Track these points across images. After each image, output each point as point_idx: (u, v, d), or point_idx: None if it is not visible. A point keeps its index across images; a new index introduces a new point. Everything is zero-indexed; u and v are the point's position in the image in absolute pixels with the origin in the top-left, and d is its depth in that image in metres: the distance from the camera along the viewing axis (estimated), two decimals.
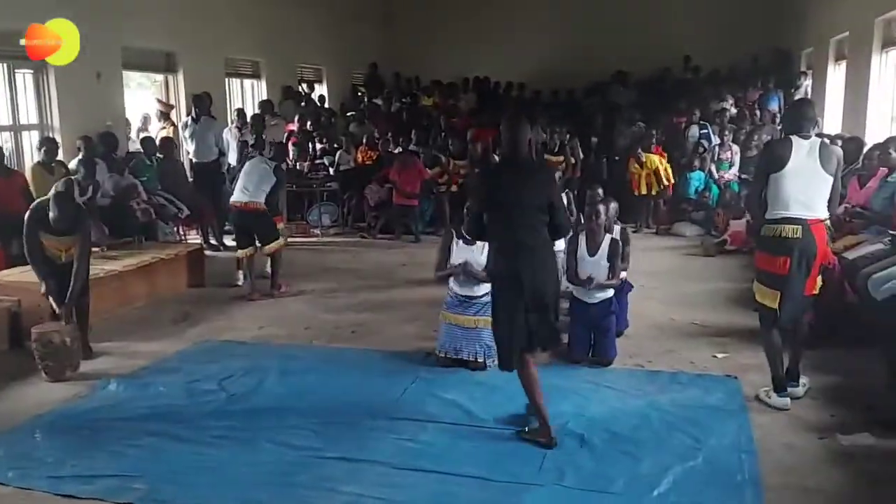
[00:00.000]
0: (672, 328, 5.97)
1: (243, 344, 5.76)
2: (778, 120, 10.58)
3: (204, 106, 9.48)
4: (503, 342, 4.03)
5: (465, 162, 10.32)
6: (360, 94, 15.14)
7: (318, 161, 11.48)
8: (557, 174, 8.60)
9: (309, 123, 12.10)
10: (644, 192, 10.17)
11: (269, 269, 7.64)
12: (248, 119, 10.25)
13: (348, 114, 13.27)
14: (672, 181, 10.29)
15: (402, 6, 16.61)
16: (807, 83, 12.52)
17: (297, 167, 10.89)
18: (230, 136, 9.88)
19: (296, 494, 3.52)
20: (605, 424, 4.18)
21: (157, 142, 9.34)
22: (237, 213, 7.12)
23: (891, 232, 5.51)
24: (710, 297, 6.86)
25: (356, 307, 6.74)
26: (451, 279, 5.18)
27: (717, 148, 10.56)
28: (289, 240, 7.64)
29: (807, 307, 4.51)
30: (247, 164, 7.33)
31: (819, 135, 5.63)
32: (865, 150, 6.81)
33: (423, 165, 10.29)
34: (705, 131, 11.06)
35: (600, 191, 6.65)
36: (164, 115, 10.07)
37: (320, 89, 14.21)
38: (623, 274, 5.46)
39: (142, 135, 9.68)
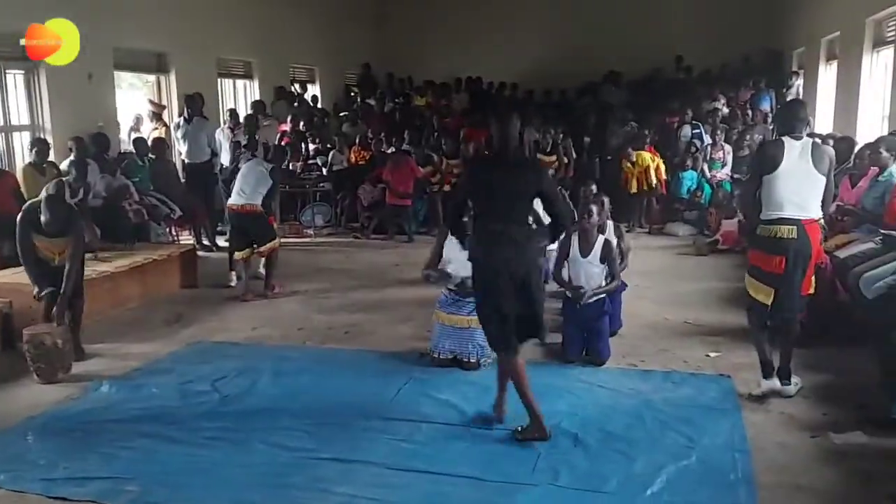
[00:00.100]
0: (665, 327, 5.98)
1: (236, 345, 5.74)
2: (770, 120, 10.63)
3: (196, 106, 9.45)
4: (493, 328, 4.05)
5: (457, 161, 10.31)
6: (352, 94, 15.13)
7: (311, 161, 11.47)
8: (550, 173, 8.66)
9: (302, 124, 12.08)
10: (636, 190, 10.19)
11: (262, 270, 7.63)
12: (241, 119, 10.23)
13: (341, 114, 13.26)
14: (664, 179, 10.32)
15: (395, 6, 16.59)
16: (798, 83, 12.57)
17: (290, 167, 10.86)
18: (222, 137, 9.85)
19: (289, 495, 3.52)
20: (599, 424, 4.18)
21: (149, 142, 9.31)
22: (234, 216, 7.13)
23: (882, 231, 5.54)
24: (703, 296, 6.88)
25: (349, 308, 6.74)
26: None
27: (709, 147, 10.60)
28: (282, 240, 7.61)
29: (802, 307, 4.53)
30: (243, 166, 7.33)
31: (811, 134, 5.67)
32: (857, 149, 6.85)
33: (416, 165, 10.29)
34: (697, 131, 11.10)
35: (594, 188, 6.67)
36: (156, 116, 10.04)
37: (313, 89, 14.19)
38: (617, 282, 5.44)
39: (134, 135, 9.64)
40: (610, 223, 5.77)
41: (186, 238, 9.34)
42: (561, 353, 5.25)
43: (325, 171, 11.16)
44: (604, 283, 5.25)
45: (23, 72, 8.07)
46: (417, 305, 6.46)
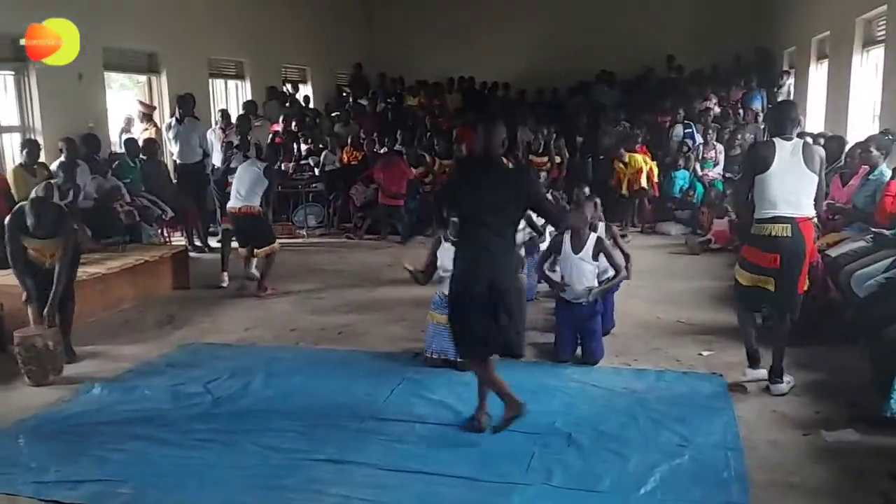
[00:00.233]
0: (658, 326, 5.99)
1: (229, 346, 5.72)
2: (761, 119, 10.67)
3: (188, 107, 9.42)
4: (458, 334, 4.08)
5: (450, 161, 10.32)
6: (344, 94, 15.11)
7: (303, 162, 11.45)
8: (542, 174, 8.70)
9: (293, 124, 12.05)
10: (628, 191, 10.21)
11: (255, 272, 7.62)
12: (233, 120, 10.20)
13: (333, 114, 13.23)
14: (657, 180, 10.34)
15: (387, 6, 16.58)
16: (789, 82, 12.63)
17: (283, 168, 10.84)
18: (214, 138, 9.83)
19: (282, 497, 3.51)
20: (592, 423, 4.19)
21: (141, 143, 9.27)
22: (233, 218, 7.23)
23: (872, 229, 5.57)
24: (695, 295, 6.89)
25: (342, 308, 6.73)
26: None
27: (701, 147, 10.64)
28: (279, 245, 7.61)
29: (798, 304, 4.56)
30: (238, 168, 7.36)
31: (801, 134, 5.69)
32: (847, 148, 6.88)
33: (408, 165, 10.29)
34: (689, 130, 11.12)
35: (587, 189, 6.69)
36: (146, 117, 10.00)
37: (305, 90, 14.17)
38: (623, 273, 5.43)
39: (125, 136, 9.60)
40: (601, 224, 5.78)
41: (178, 239, 9.30)
42: (554, 353, 5.25)
43: (317, 171, 11.14)
44: (597, 282, 5.26)
45: (13, 73, 8.02)
46: (411, 306, 6.46)
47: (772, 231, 4.32)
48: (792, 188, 4.31)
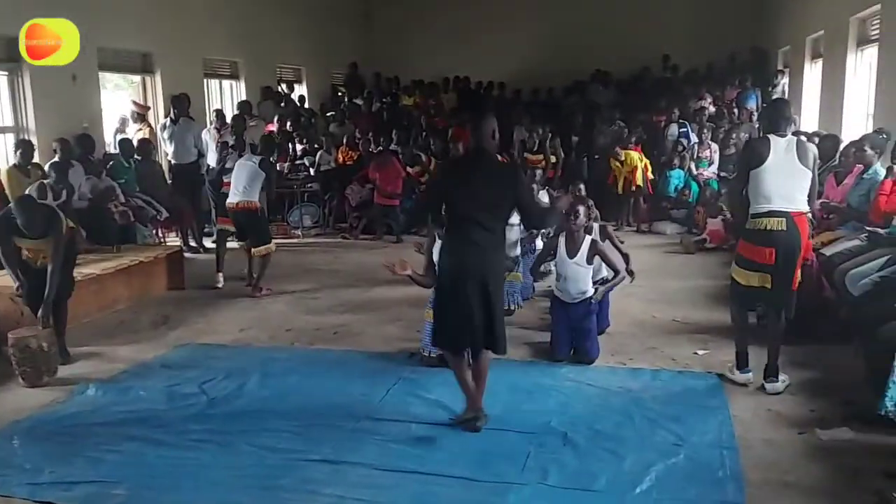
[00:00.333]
0: (653, 325, 6.00)
1: (224, 347, 5.71)
2: (755, 118, 10.70)
3: (182, 107, 9.40)
4: (439, 325, 4.12)
5: None
6: (340, 94, 15.09)
7: (298, 162, 11.44)
8: (538, 172, 8.69)
9: (289, 124, 12.04)
10: (623, 189, 10.22)
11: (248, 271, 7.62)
12: (228, 120, 10.17)
13: (328, 114, 13.22)
14: (650, 179, 10.36)
15: (382, 6, 16.58)
16: (783, 81, 12.66)
17: (278, 167, 10.82)
18: (209, 138, 9.80)
19: (278, 497, 3.50)
20: (588, 422, 4.19)
21: (135, 144, 9.25)
22: (232, 214, 7.25)
23: (867, 228, 5.59)
24: (691, 294, 6.91)
25: (338, 308, 6.72)
26: None
27: (696, 146, 10.66)
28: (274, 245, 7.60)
29: (792, 301, 4.58)
30: (235, 165, 7.37)
31: (796, 133, 5.71)
32: (842, 147, 6.90)
33: (404, 164, 10.28)
34: (684, 130, 11.15)
35: (582, 187, 6.70)
36: (140, 117, 9.97)
37: (300, 90, 14.14)
38: (622, 275, 5.44)
39: (119, 137, 9.58)
40: (595, 225, 5.78)
41: (173, 239, 9.29)
42: (549, 353, 5.25)
43: (312, 171, 11.13)
44: (591, 286, 5.26)
45: (6, 73, 7.99)
46: (406, 305, 6.46)
47: (767, 225, 4.36)
48: (786, 183, 4.36)
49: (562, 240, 5.29)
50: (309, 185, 10.90)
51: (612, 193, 10.23)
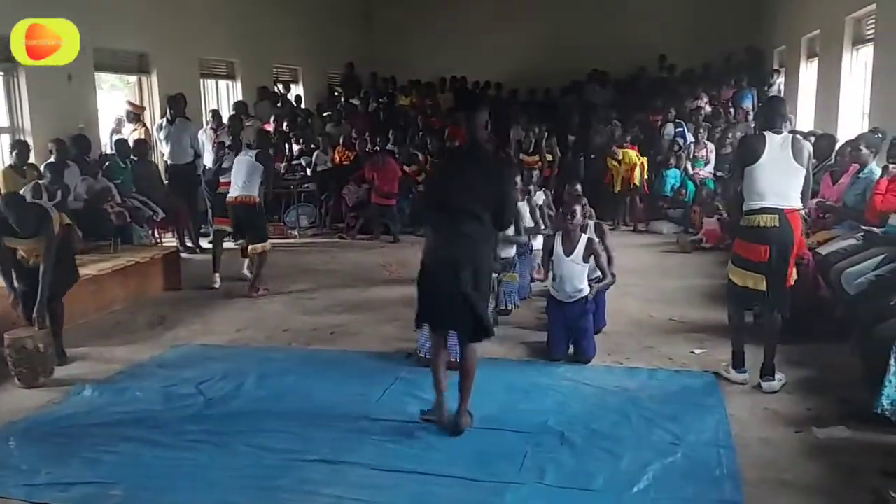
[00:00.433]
0: (650, 325, 6.01)
1: (221, 347, 5.71)
2: (751, 117, 10.72)
3: (179, 107, 9.39)
4: (421, 309, 4.13)
5: None
6: (336, 94, 15.08)
7: (295, 162, 11.42)
8: (535, 172, 8.70)
9: (285, 124, 12.03)
10: (620, 189, 10.23)
11: (246, 272, 7.62)
12: (224, 120, 10.16)
13: (325, 114, 13.21)
14: (646, 177, 10.37)
15: (379, 6, 16.58)
16: (779, 81, 12.68)
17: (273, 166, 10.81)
18: (205, 138, 9.78)
19: (275, 497, 3.50)
20: (585, 422, 4.19)
21: (131, 144, 9.23)
22: (231, 209, 7.25)
23: (863, 227, 5.60)
24: (687, 293, 6.92)
25: (335, 308, 6.72)
26: None
27: (692, 146, 10.68)
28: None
29: (787, 298, 4.59)
30: (234, 162, 7.38)
31: (792, 132, 5.73)
32: (837, 146, 6.91)
33: (399, 164, 10.28)
34: (681, 129, 11.17)
35: (578, 186, 6.70)
36: (135, 117, 9.94)
37: (296, 90, 14.13)
38: (609, 279, 5.47)
39: (115, 137, 9.56)
40: (591, 223, 5.79)
41: (169, 240, 9.27)
42: (546, 352, 5.26)
43: (309, 171, 11.12)
44: (587, 285, 5.28)
45: (2, 73, 7.97)
46: (403, 305, 6.44)
47: (760, 221, 4.39)
48: (780, 180, 4.38)
49: (558, 238, 5.31)
50: (305, 185, 10.89)
51: (609, 193, 10.24)
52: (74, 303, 5.77)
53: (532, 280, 6.74)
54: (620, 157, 10.15)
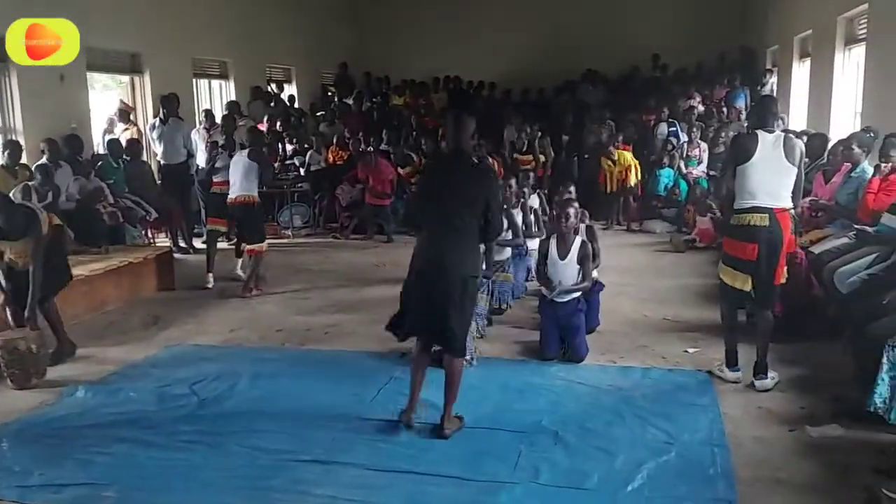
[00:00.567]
0: (644, 324, 6.02)
1: (214, 347, 5.69)
2: (744, 117, 10.74)
3: (172, 107, 9.36)
4: (401, 314, 4.16)
5: None
6: (330, 93, 15.07)
7: (288, 162, 11.40)
8: (530, 175, 8.73)
9: (278, 124, 12.01)
10: (615, 188, 10.24)
11: (239, 272, 7.60)
12: (217, 120, 10.13)
13: (318, 114, 13.19)
14: (638, 178, 10.38)
15: (373, 6, 16.56)
16: (772, 80, 12.72)
17: None
18: (198, 138, 9.75)
19: (269, 498, 3.49)
20: (579, 421, 4.20)
21: (124, 144, 9.20)
22: (231, 209, 7.29)
23: (855, 226, 5.62)
24: (681, 292, 6.93)
25: (329, 308, 6.70)
26: None
27: (685, 145, 10.70)
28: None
29: (776, 296, 4.61)
30: (230, 164, 7.38)
31: (785, 131, 5.75)
32: (830, 145, 6.94)
33: (395, 165, 10.27)
34: (674, 129, 11.20)
35: (572, 189, 6.71)
36: (125, 115, 9.89)
37: (290, 89, 14.11)
38: (594, 274, 5.50)
39: (108, 137, 9.53)
40: (582, 226, 5.79)
41: (163, 240, 9.24)
42: (539, 351, 5.26)
43: (302, 171, 11.10)
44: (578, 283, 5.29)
45: None
46: (397, 305, 6.42)
47: (750, 220, 4.41)
48: (772, 179, 4.40)
49: (553, 241, 5.33)
50: (299, 185, 10.86)
51: (602, 192, 10.25)
52: (67, 303, 5.75)
53: (527, 279, 6.74)
54: (616, 158, 10.16)
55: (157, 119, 9.44)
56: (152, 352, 5.58)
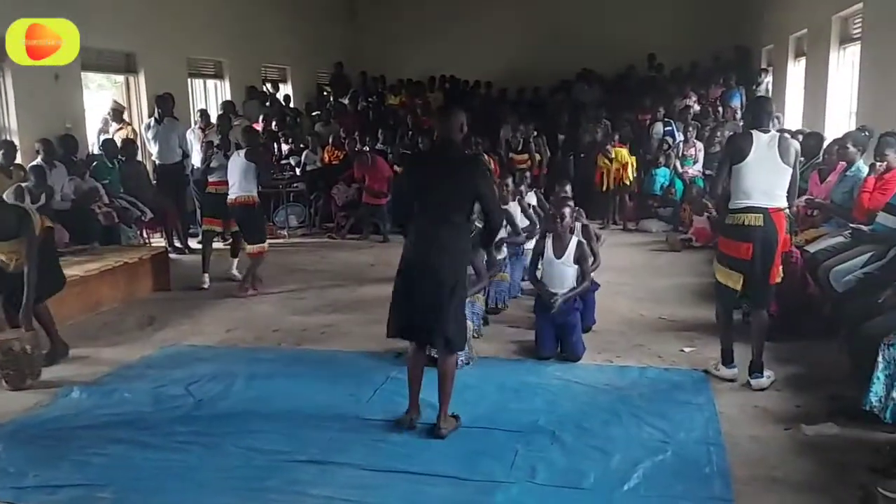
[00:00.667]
0: (640, 323, 6.02)
1: (210, 348, 5.68)
2: (739, 116, 10.76)
3: (167, 107, 9.34)
4: (391, 319, 4.12)
5: None
6: (325, 93, 15.05)
7: (284, 161, 11.38)
8: (527, 175, 8.72)
9: (274, 123, 11.99)
10: (611, 187, 10.25)
11: (235, 272, 7.59)
12: (212, 120, 10.12)
13: (314, 114, 13.17)
14: (634, 178, 10.39)
15: (368, 5, 16.55)
16: (767, 80, 12.74)
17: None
18: (194, 138, 9.74)
19: (265, 498, 3.48)
20: (576, 420, 4.20)
21: (119, 144, 9.17)
22: (231, 210, 7.28)
23: (850, 225, 5.63)
24: (677, 291, 6.94)
25: (325, 308, 6.70)
26: None
27: (681, 144, 10.71)
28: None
29: (770, 295, 4.62)
30: (229, 164, 7.37)
31: (780, 130, 5.77)
32: (825, 144, 6.95)
33: (391, 164, 10.27)
34: (669, 128, 11.21)
35: (568, 189, 6.72)
36: (118, 115, 9.86)
37: (285, 89, 14.09)
38: (587, 283, 5.48)
39: (102, 137, 9.50)
40: (578, 225, 5.80)
41: (158, 240, 9.22)
42: (535, 350, 5.26)
43: (298, 171, 11.09)
44: (575, 285, 5.29)
45: None
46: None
47: (745, 220, 4.43)
48: (766, 179, 4.42)
49: (549, 241, 5.34)
50: (295, 184, 10.85)
51: (598, 191, 10.25)
52: (62, 304, 5.74)
53: (523, 279, 6.74)
54: (613, 156, 10.16)
55: (152, 119, 9.41)
56: (148, 352, 5.57)
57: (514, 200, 6.84)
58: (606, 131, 10.70)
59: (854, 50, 8.71)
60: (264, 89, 13.23)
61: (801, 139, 7.07)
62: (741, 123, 10.04)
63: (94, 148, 9.41)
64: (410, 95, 14.13)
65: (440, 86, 14.76)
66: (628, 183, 10.26)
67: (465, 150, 4.38)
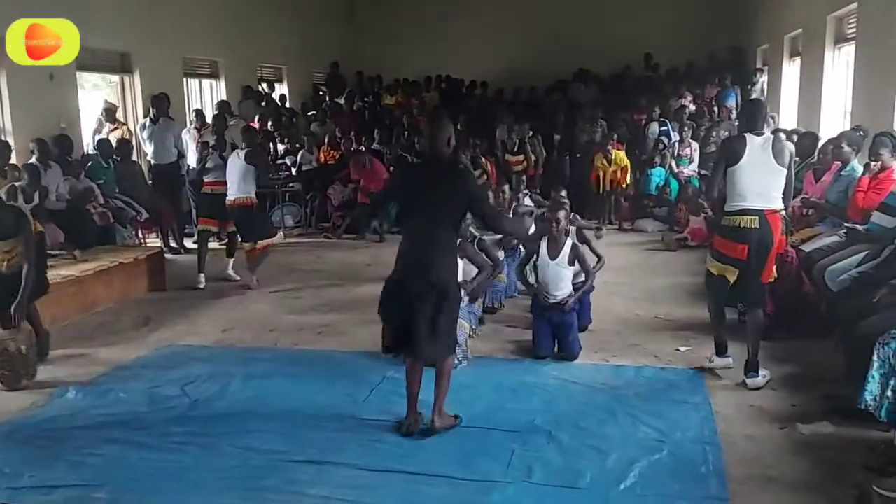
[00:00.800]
0: (636, 322, 6.03)
1: (206, 348, 5.67)
2: (734, 116, 10.78)
3: (162, 107, 9.32)
4: (385, 333, 4.15)
5: None
6: (321, 93, 15.03)
7: (279, 161, 11.37)
8: (523, 178, 8.73)
9: (270, 123, 11.98)
10: (608, 188, 10.25)
11: (231, 272, 7.58)
12: (208, 120, 10.10)
13: (310, 113, 13.16)
14: (631, 181, 10.40)
15: (365, 5, 16.55)
16: (763, 79, 12.76)
17: None
18: (189, 138, 9.73)
19: (262, 498, 3.48)
20: (572, 420, 4.20)
21: (114, 144, 9.15)
22: (230, 211, 7.29)
23: (845, 224, 5.65)
24: (673, 291, 6.95)
25: (321, 308, 6.69)
26: None
27: (676, 144, 10.73)
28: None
29: (764, 294, 4.64)
30: (227, 164, 7.38)
31: (775, 131, 5.78)
32: (820, 144, 6.97)
33: (387, 164, 10.26)
34: (665, 128, 11.22)
35: (564, 192, 6.74)
36: (111, 115, 9.83)
37: (281, 89, 14.08)
38: (591, 280, 5.51)
39: (97, 137, 9.47)
40: (572, 228, 5.81)
41: (153, 240, 9.20)
42: (532, 350, 5.27)
43: (294, 171, 11.07)
44: (571, 287, 5.31)
45: None
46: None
47: (740, 223, 4.46)
48: (761, 181, 4.44)
49: (543, 242, 5.35)
50: (291, 184, 10.84)
51: (594, 192, 10.25)
52: (57, 304, 5.73)
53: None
54: (612, 157, 10.16)
55: (148, 119, 9.39)
56: (143, 353, 5.56)
57: (511, 204, 6.85)
58: (603, 132, 10.71)
59: (849, 50, 8.73)
60: (260, 89, 13.21)
61: (795, 139, 7.10)
62: (736, 123, 10.07)
63: (89, 148, 9.38)
64: (406, 95, 14.13)
65: (436, 86, 14.75)
66: (625, 186, 10.27)
67: (453, 161, 4.37)
